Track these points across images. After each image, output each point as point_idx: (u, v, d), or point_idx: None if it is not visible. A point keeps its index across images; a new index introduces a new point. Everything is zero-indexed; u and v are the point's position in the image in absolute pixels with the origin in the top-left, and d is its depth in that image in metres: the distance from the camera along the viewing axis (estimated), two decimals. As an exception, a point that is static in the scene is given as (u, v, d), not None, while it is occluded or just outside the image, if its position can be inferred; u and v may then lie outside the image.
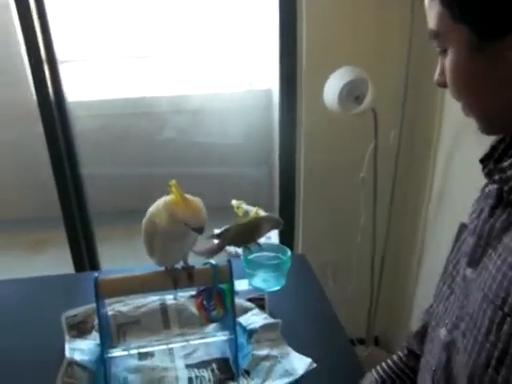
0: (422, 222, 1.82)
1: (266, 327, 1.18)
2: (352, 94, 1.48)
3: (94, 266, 2.06)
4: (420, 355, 0.86)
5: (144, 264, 1.11)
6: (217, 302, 1.10)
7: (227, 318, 1.12)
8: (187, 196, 0.94)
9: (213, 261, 1.09)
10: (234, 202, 2.31)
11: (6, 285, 1.56)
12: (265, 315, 1.24)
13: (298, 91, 1.75)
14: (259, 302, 1.30)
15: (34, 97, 1.74)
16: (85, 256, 1.99)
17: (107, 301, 1.25)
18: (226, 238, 1.26)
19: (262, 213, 2.33)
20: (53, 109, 1.76)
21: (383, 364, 0.95)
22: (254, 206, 2.19)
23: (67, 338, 1.21)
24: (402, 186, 1.81)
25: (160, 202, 0.96)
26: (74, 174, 1.88)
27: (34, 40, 1.66)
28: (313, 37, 1.64)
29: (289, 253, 1.26)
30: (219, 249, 1.26)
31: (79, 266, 1.99)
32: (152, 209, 0.98)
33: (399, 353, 0.96)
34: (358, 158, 1.70)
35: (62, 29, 1.96)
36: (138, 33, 2.51)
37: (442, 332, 0.72)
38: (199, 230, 0.93)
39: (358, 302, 2.01)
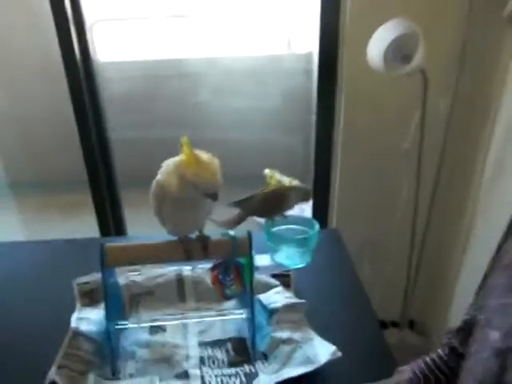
0: (470, 202, 1.62)
1: (288, 307, 1.06)
2: (400, 51, 1.29)
3: (120, 231, 1.99)
4: (463, 354, 0.71)
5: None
6: (235, 277, 0.99)
7: (245, 295, 1.01)
8: (201, 156, 0.81)
9: (231, 232, 0.97)
10: (267, 171, 2.16)
11: (30, 246, 1.51)
12: (289, 294, 1.12)
13: (339, 50, 1.57)
14: (284, 278, 1.17)
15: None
16: (110, 221, 1.92)
17: (121, 269, 1.17)
18: (248, 208, 1.13)
19: (297, 183, 2.19)
20: (79, 69, 1.67)
21: (420, 361, 0.81)
22: (288, 176, 2.04)
23: (78, 305, 1.13)
24: (450, 161, 1.61)
25: (170, 162, 0.84)
26: (100, 136, 1.79)
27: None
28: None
29: (316, 227, 1.12)
30: (240, 219, 1.13)
31: (105, 231, 1.92)
32: (161, 170, 0.86)
33: (439, 350, 0.81)
34: (403, 126, 1.52)
35: None
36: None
37: (495, 335, 0.57)
38: (212, 196, 0.81)
39: (394, 282, 1.86)
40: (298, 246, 1.12)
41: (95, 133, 1.76)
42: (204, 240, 0.94)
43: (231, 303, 1.12)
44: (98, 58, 1.76)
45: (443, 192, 1.70)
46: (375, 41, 1.29)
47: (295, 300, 1.08)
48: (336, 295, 1.17)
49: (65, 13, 1.55)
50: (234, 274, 0.98)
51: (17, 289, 1.28)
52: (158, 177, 0.86)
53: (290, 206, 1.14)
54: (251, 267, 0.96)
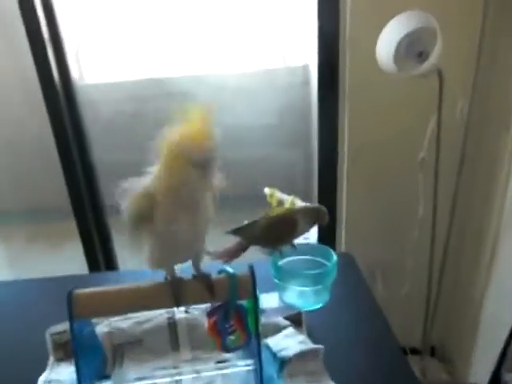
0: (494, 215, 1.43)
1: (303, 355, 0.86)
2: (414, 47, 1.12)
3: (111, 265, 1.79)
4: None
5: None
6: (236, 323, 0.79)
7: (250, 345, 0.81)
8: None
9: (229, 268, 0.78)
10: (267, 190, 1.98)
11: (8, 286, 1.31)
12: (302, 337, 0.92)
13: (340, 56, 1.40)
14: (294, 317, 0.97)
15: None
16: (99, 254, 1.72)
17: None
18: (250, 236, 0.93)
19: (300, 202, 1.98)
20: (58, 93, 1.52)
21: None
22: (289, 194, 1.86)
23: (51, 360, 0.93)
24: (470, 170, 1.43)
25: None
26: (84, 162, 1.62)
27: (33, 19, 1.41)
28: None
29: (334, 257, 0.91)
30: (240, 250, 0.94)
31: (94, 265, 1.73)
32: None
33: None
34: (417, 134, 1.34)
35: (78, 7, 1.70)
36: (159, 5, 2.21)
37: None
38: (202, 163, 0.62)
39: (413, 306, 1.66)
40: (312, 283, 0.91)
41: (78, 158, 1.58)
42: (207, 279, 0.74)
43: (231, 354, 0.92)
44: (82, 81, 1.61)
45: (464, 205, 1.51)
46: (386, 35, 1.12)
47: (310, 345, 0.88)
48: (357, 335, 0.97)
49: (41, 35, 1.42)
50: (235, 321, 0.79)
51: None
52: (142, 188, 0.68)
53: (301, 232, 0.94)
54: (256, 311, 0.76)
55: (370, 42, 1.17)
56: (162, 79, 2.19)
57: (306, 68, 2.27)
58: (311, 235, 1.75)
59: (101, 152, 1.69)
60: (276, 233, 0.92)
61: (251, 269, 0.77)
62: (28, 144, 2.32)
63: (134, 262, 1.82)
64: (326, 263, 0.92)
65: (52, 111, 1.48)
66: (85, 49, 2.16)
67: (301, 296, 0.92)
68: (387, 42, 1.11)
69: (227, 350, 0.80)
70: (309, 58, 2.23)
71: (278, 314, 0.91)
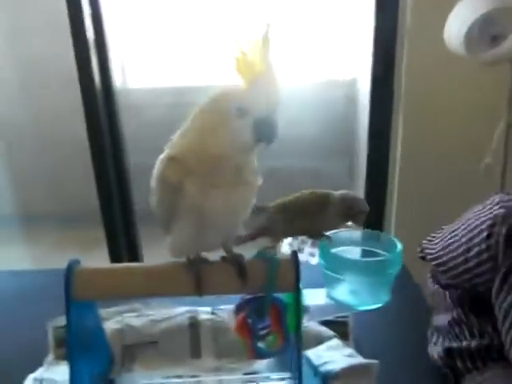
0: None
1: (352, 370, 0.66)
2: (489, 30, 0.94)
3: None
4: None
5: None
6: (271, 323, 0.60)
7: (288, 352, 0.62)
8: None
9: (266, 252, 0.60)
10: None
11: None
12: (349, 350, 0.71)
13: (397, 47, 1.24)
14: (339, 327, 0.77)
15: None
16: (125, 260, 1.58)
17: (113, 309, 0.81)
18: (274, 220, 0.72)
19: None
20: (97, 96, 1.42)
21: None
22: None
23: (50, 357, 0.76)
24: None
25: None
26: (117, 165, 1.49)
27: (79, 17, 1.34)
28: None
29: (399, 247, 0.70)
30: (256, 234, 0.74)
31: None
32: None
33: None
34: (482, 136, 1.14)
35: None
36: (208, 15, 2.14)
37: None
38: (264, 122, 0.47)
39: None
40: (370, 276, 0.70)
41: (112, 162, 1.47)
42: (239, 261, 0.57)
43: (265, 363, 0.72)
44: (125, 85, 1.52)
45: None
46: (458, 14, 0.95)
47: (360, 360, 0.68)
48: (409, 348, 0.75)
49: (85, 37, 1.35)
50: (271, 319, 0.60)
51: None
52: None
53: (330, 222, 0.73)
54: (298, 308, 0.57)
55: (430, 37, 1.01)
56: (205, 87, 2.11)
57: (353, 82, 2.14)
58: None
59: (138, 157, 1.58)
60: (301, 218, 0.72)
61: (294, 254, 0.59)
62: (62, 147, 2.26)
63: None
64: (387, 254, 0.70)
65: (89, 115, 1.41)
66: (130, 54, 2.11)
67: (353, 292, 0.71)
68: (460, 21, 0.94)
69: (258, 354, 0.61)
70: (358, 71, 2.10)
71: (325, 313, 0.71)
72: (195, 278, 0.56)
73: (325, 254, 0.71)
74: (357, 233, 0.76)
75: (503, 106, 1.10)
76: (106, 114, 1.44)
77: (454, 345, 0.68)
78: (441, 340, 0.71)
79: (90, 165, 1.70)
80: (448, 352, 0.68)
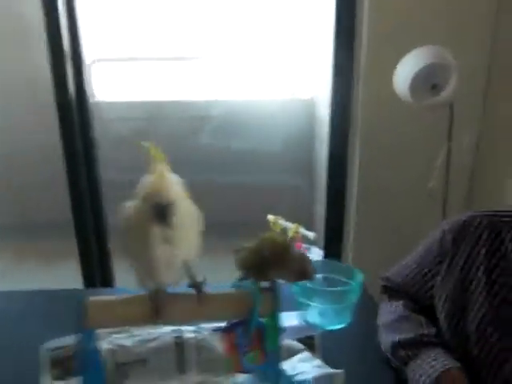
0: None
1: (321, 379, 0.79)
2: (430, 80, 1.11)
3: (107, 282, 1.70)
4: None
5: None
6: (254, 341, 0.72)
7: (268, 366, 0.74)
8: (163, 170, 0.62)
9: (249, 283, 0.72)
10: (270, 217, 1.94)
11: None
12: (317, 361, 0.85)
13: (353, 82, 1.39)
14: (307, 341, 0.91)
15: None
16: (96, 270, 1.64)
17: (104, 330, 0.89)
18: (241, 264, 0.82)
19: (303, 231, 1.92)
20: (72, 109, 1.47)
21: None
22: (293, 222, 1.81)
23: (48, 379, 0.84)
24: (478, 200, 1.40)
25: None
26: (91, 179, 1.55)
27: (57, 37, 1.41)
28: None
29: (360, 277, 0.85)
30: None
31: (89, 281, 1.64)
32: None
33: None
34: (426, 165, 1.32)
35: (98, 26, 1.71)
36: (179, 34, 2.23)
37: None
38: (158, 211, 0.59)
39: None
40: (335, 302, 0.84)
41: (85, 175, 1.52)
42: (198, 287, 0.68)
43: (243, 377, 0.84)
44: (94, 98, 1.57)
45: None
46: (404, 66, 1.11)
47: (328, 370, 0.81)
48: (370, 357, 0.90)
49: (62, 49, 1.39)
50: (254, 338, 0.72)
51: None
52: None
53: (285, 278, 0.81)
54: (277, 328, 0.70)
55: (384, 76, 1.17)
56: (176, 102, 2.19)
57: (311, 101, 2.29)
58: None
59: (107, 169, 1.64)
60: (251, 268, 0.79)
61: (274, 284, 0.71)
62: (32, 156, 2.26)
63: (131, 280, 1.74)
64: (349, 282, 0.85)
65: (64, 125, 1.44)
66: (101, 66, 2.15)
67: (322, 315, 0.85)
68: (406, 71, 1.10)
69: (246, 368, 0.73)
70: (316, 91, 2.26)
71: (299, 333, 0.84)
72: (153, 306, 0.66)
73: (298, 284, 0.84)
74: (321, 262, 0.89)
75: (443, 139, 1.27)
76: (79, 124, 1.49)
77: (397, 338, 0.85)
78: (386, 335, 0.88)
79: (52, 176, 1.73)
80: (394, 344, 0.85)
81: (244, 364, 0.72)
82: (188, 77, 2.27)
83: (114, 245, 1.71)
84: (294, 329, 0.82)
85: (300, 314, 0.85)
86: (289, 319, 0.88)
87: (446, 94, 1.11)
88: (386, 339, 0.88)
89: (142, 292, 0.69)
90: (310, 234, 1.85)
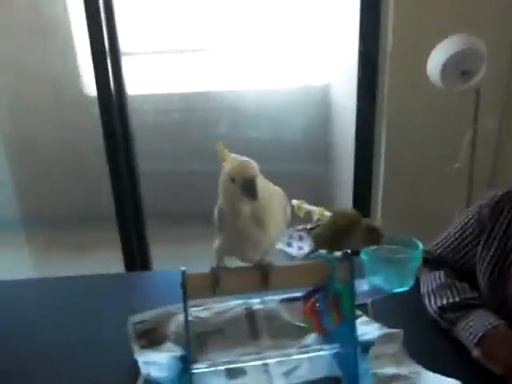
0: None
1: (384, 338, 0.90)
2: (461, 66, 1.21)
3: (146, 267, 1.80)
4: None
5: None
6: (331, 305, 0.83)
7: (342, 327, 0.84)
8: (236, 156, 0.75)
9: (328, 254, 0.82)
10: (295, 202, 2.02)
11: (57, 282, 1.30)
12: (376, 324, 0.96)
13: (379, 70, 1.48)
14: (360, 308, 1.01)
15: (84, 91, 1.54)
16: (137, 256, 1.74)
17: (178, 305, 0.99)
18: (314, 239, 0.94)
19: (328, 213, 2.03)
20: (113, 102, 1.57)
21: None
22: (317, 206, 1.89)
23: (136, 348, 0.94)
24: (501, 179, 1.52)
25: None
26: (130, 170, 1.64)
27: (98, 31, 1.48)
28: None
29: (420, 246, 0.97)
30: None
31: (130, 267, 1.73)
32: None
33: None
34: (453, 145, 1.42)
35: (123, 21, 1.77)
36: (194, 26, 2.30)
37: None
38: (247, 187, 0.70)
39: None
40: (399, 268, 0.96)
41: (125, 166, 1.61)
42: (263, 268, 0.78)
43: (313, 339, 0.95)
44: (132, 90, 1.66)
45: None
46: (437, 52, 1.20)
47: (390, 329, 0.92)
48: (418, 318, 1.02)
49: (102, 44, 1.45)
50: (331, 303, 0.83)
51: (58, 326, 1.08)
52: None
53: (356, 246, 0.93)
54: (352, 293, 0.81)
55: (411, 61, 1.26)
56: (206, 93, 2.26)
57: (326, 88, 2.37)
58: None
59: (145, 160, 1.73)
60: (327, 240, 0.91)
61: (348, 255, 0.82)
62: (55, 154, 2.34)
63: (167, 265, 1.85)
64: (410, 251, 0.97)
65: (105, 118, 1.52)
66: (138, 60, 2.22)
67: (387, 280, 0.96)
68: (439, 56, 1.20)
69: (325, 330, 0.84)
70: (330, 77, 2.34)
71: (369, 296, 0.95)
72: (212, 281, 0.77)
73: (367, 252, 0.96)
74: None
75: (469, 122, 1.38)
76: (119, 117, 1.58)
77: (445, 302, 0.96)
78: (433, 300, 0.99)
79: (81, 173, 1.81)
80: (441, 308, 0.96)
81: (324, 324, 0.83)
82: (204, 69, 2.35)
83: (151, 232, 1.81)
84: (364, 293, 0.93)
85: (369, 280, 0.96)
86: (360, 284, 0.98)
87: (475, 80, 1.21)
88: (433, 304, 0.99)
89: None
90: (335, 217, 1.96)
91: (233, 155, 0.74)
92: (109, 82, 1.52)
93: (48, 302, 1.18)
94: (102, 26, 1.46)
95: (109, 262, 1.80)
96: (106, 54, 1.50)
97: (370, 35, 1.50)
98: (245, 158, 0.73)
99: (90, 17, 1.46)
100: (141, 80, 2.14)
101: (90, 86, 2.11)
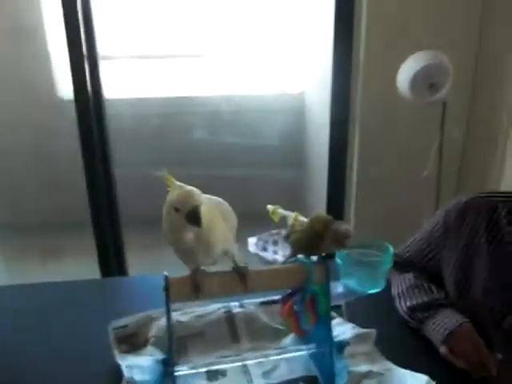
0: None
1: (357, 338, 0.95)
2: (428, 79, 1.28)
3: (122, 272, 1.81)
4: None
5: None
6: (308, 307, 0.87)
7: (318, 328, 0.89)
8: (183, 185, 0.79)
9: (302, 257, 0.87)
10: (270, 207, 2.06)
11: (32, 289, 1.29)
12: (350, 324, 1.01)
13: (352, 80, 1.55)
14: (335, 309, 1.06)
15: (59, 94, 1.54)
16: (113, 262, 1.74)
17: (161, 309, 1.02)
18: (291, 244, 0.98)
19: (302, 218, 2.08)
20: (90, 105, 1.56)
21: None
22: (292, 211, 1.93)
23: (117, 352, 0.96)
24: (468, 186, 1.60)
25: None
26: (106, 174, 1.65)
27: (76, 35, 1.48)
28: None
29: (391, 249, 1.03)
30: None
31: (106, 272, 1.74)
32: None
33: None
34: (421, 154, 1.50)
35: (106, 24, 1.79)
36: (174, 32, 2.33)
37: None
38: (191, 217, 0.73)
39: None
40: (372, 270, 1.01)
41: (102, 170, 1.62)
42: (240, 270, 0.83)
43: (290, 340, 0.99)
44: (105, 95, 1.66)
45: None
46: (406, 66, 1.27)
47: (363, 330, 0.97)
48: (389, 318, 1.07)
49: (80, 47, 1.46)
50: (308, 304, 0.87)
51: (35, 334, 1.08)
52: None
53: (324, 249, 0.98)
54: (328, 295, 0.85)
55: (382, 74, 1.33)
56: (184, 98, 2.28)
57: (301, 95, 2.44)
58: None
59: (121, 164, 1.73)
60: (305, 245, 0.96)
61: (323, 258, 0.86)
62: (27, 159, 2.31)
63: (143, 270, 1.85)
64: (380, 254, 1.02)
65: (82, 122, 1.53)
66: (117, 64, 2.22)
67: (360, 282, 1.02)
68: (407, 70, 1.27)
69: (303, 331, 0.88)
70: (304, 86, 2.41)
71: (343, 298, 1.00)
72: (193, 286, 0.81)
73: (341, 256, 1.01)
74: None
75: (436, 132, 1.46)
76: (96, 120, 1.59)
77: (414, 302, 1.02)
78: (403, 301, 1.05)
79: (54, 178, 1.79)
80: (410, 308, 1.02)
81: (301, 325, 0.87)
82: (183, 74, 2.37)
83: (127, 237, 1.82)
84: (339, 294, 0.98)
85: (343, 282, 1.01)
86: (334, 287, 1.04)
87: (442, 92, 1.28)
88: (403, 305, 1.05)
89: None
90: (309, 221, 2.01)
91: (177, 183, 0.78)
92: (86, 85, 1.52)
93: (24, 308, 1.17)
94: (79, 29, 1.46)
95: (84, 267, 1.80)
96: (83, 57, 1.50)
97: (344, 46, 1.56)
98: (188, 188, 0.76)
99: (67, 19, 1.46)
100: (119, 84, 2.15)
101: (64, 90, 2.11)
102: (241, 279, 0.82)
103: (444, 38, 1.43)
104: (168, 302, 0.79)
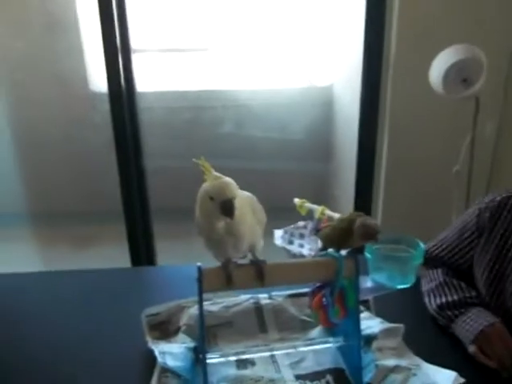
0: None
1: (386, 332, 0.96)
2: (461, 74, 1.26)
3: (151, 262, 1.86)
4: None
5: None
6: (337, 300, 0.88)
7: (346, 321, 0.90)
8: (218, 175, 0.79)
9: (335, 252, 0.88)
10: (297, 201, 2.07)
11: (65, 275, 1.34)
12: (378, 319, 1.02)
13: (382, 75, 1.54)
14: (363, 304, 1.07)
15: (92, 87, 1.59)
16: (143, 252, 1.79)
17: (191, 298, 1.05)
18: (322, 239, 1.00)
19: (329, 212, 2.09)
20: (123, 99, 1.60)
21: None
22: (319, 204, 1.94)
23: (149, 339, 0.99)
24: (499, 181, 1.58)
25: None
26: (138, 165, 1.69)
27: (110, 29, 1.52)
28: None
29: (422, 246, 1.03)
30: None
31: (136, 261, 1.79)
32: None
33: None
34: (452, 149, 1.48)
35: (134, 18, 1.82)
36: (203, 26, 2.35)
37: None
38: (225, 208, 0.75)
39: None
40: (401, 265, 1.02)
41: (134, 162, 1.66)
42: (258, 264, 0.84)
43: (318, 332, 1.01)
44: (142, 88, 1.70)
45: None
46: (440, 59, 1.26)
47: (391, 324, 0.98)
48: (418, 314, 1.08)
49: (114, 40, 1.49)
50: (337, 298, 0.89)
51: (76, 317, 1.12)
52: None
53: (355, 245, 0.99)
54: (356, 289, 0.86)
55: (414, 68, 1.32)
56: (213, 91, 2.31)
57: (329, 88, 2.43)
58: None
59: (153, 156, 1.78)
60: (335, 240, 0.97)
61: (353, 253, 0.87)
62: (60, 150, 2.39)
63: (171, 260, 1.90)
64: (411, 251, 1.03)
65: (115, 114, 1.57)
66: (147, 57, 2.26)
67: (389, 277, 1.02)
68: (439, 65, 1.26)
69: (332, 323, 0.89)
70: (333, 78, 2.40)
71: (371, 292, 1.01)
72: (226, 277, 0.82)
73: (371, 251, 1.02)
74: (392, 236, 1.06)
75: (468, 127, 1.43)
76: (128, 114, 1.63)
77: (443, 300, 1.02)
78: (432, 299, 1.05)
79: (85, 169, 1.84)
80: (440, 306, 1.02)
81: (330, 318, 0.88)
82: (208, 67, 2.40)
83: (157, 228, 1.86)
84: (368, 289, 0.99)
85: (372, 277, 1.02)
86: (363, 281, 1.05)
87: (475, 87, 1.26)
88: (433, 302, 1.05)
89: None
90: (336, 215, 2.01)
91: (214, 173, 0.79)
92: (119, 78, 1.56)
93: (57, 294, 1.22)
94: (114, 23, 1.50)
95: (114, 256, 1.85)
96: (117, 50, 1.53)
97: (375, 39, 1.55)
98: (226, 179, 0.78)
99: (103, 14, 1.50)
100: (149, 77, 2.19)
101: (97, 83, 2.16)
102: (257, 275, 0.83)
103: (477, 33, 1.41)
104: (201, 291, 0.82)
